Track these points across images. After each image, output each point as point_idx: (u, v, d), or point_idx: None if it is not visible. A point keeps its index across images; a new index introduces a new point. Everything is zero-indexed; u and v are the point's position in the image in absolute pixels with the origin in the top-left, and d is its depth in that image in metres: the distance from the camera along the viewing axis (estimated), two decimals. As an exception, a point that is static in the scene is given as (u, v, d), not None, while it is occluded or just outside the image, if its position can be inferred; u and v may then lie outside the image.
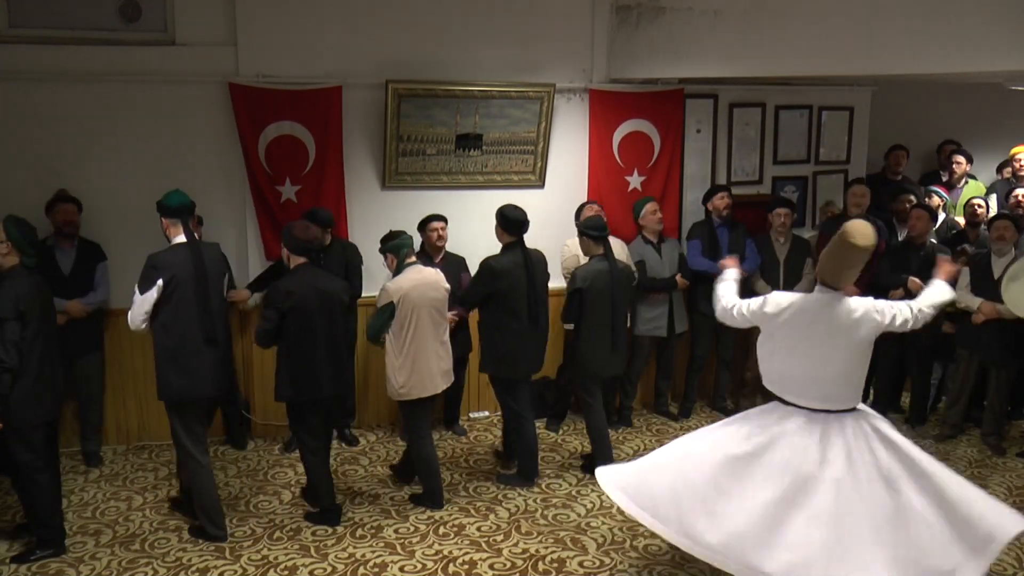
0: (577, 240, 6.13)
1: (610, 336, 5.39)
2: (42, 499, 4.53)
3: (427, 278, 4.95)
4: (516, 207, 5.31)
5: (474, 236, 6.04)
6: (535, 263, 5.29)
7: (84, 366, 5.63)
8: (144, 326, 4.53)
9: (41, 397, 4.43)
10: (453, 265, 5.92)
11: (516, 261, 5.20)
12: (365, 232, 6.08)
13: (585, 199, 6.52)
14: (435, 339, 4.98)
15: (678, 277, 6.37)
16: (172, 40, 5.78)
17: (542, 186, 6.57)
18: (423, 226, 5.94)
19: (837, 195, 7.21)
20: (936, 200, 7.02)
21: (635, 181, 6.70)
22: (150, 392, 5.85)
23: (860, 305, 3.87)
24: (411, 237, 5.06)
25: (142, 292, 4.47)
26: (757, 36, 5.55)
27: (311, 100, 5.90)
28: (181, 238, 4.62)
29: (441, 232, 5.93)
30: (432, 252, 5.95)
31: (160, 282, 4.46)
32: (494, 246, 5.56)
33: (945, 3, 4.73)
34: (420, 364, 4.92)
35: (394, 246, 4.98)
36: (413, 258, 5.00)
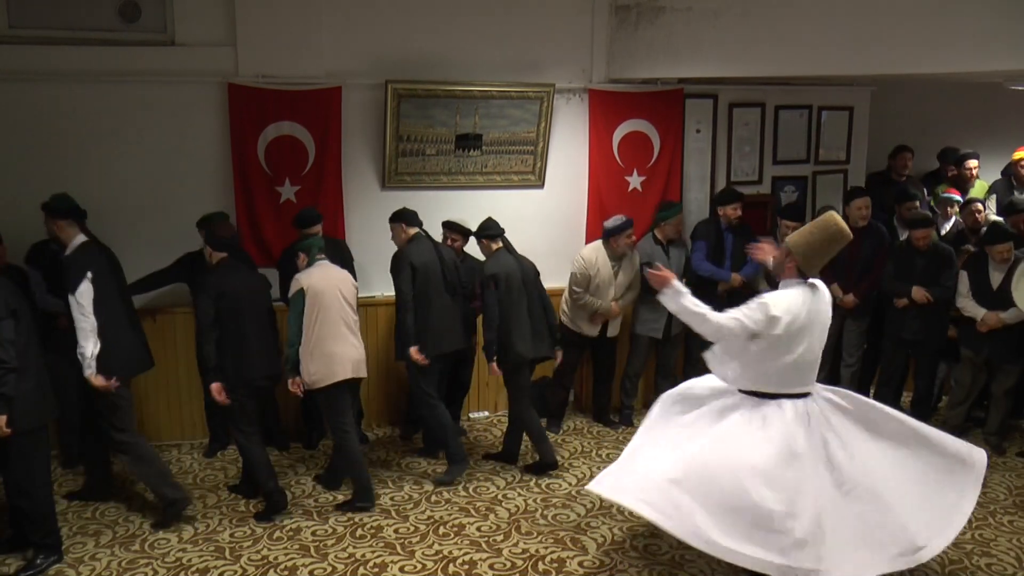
0: (590, 250, 6.12)
1: (528, 322, 5.50)
2: (47, 503, 4.50)
3: (333, 273, 5.16)
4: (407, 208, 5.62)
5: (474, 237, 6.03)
6: (439, 246, 5.61)
7: None
8: (93, 317, 4.70)
9: (44, 397, 4.41)
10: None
11: (426, 247, 5.50)
12: (365, 232, 6.11)
13: (585, 199, 6.53)
14: (344, 327, 5.09)
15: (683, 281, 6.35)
16: (172, 40, 5.78)
17: (542, 186, 6.58)
18: None
19: (836, 195, 7.18)
20: (956, 208, 7.01)
21: (635, 181, 6.70)
22: (147, 391, 5.89)
23: (825, 289, 4.16)
24: (322, 239, 5.28)
25: (75, 290, 4.66)
26: (757, 36, 5.55)
27: (311, 100, 5.91)
28: (82, 237, 4.85)
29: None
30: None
31: (90, 274, 4.70)
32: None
33: (945, 3, 4.73)
34: (327, 352, 5.02)
35: (304, 246, 5.20)
36: (322, 256, 5.18)
